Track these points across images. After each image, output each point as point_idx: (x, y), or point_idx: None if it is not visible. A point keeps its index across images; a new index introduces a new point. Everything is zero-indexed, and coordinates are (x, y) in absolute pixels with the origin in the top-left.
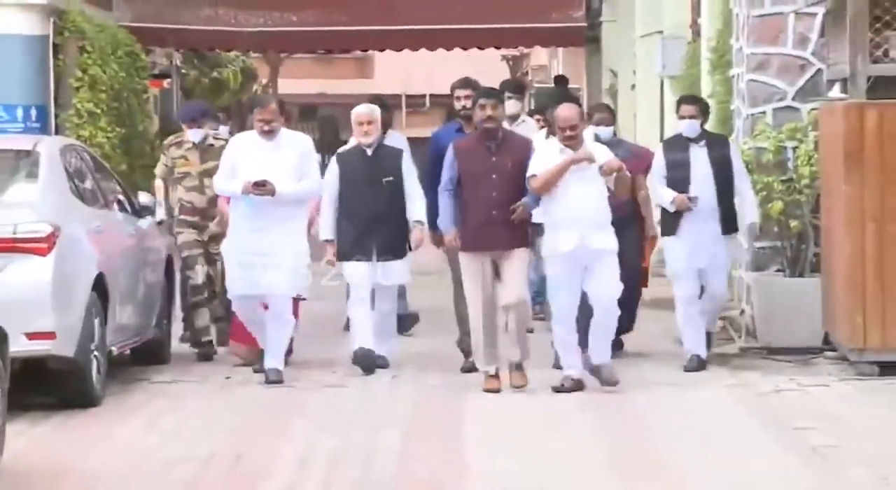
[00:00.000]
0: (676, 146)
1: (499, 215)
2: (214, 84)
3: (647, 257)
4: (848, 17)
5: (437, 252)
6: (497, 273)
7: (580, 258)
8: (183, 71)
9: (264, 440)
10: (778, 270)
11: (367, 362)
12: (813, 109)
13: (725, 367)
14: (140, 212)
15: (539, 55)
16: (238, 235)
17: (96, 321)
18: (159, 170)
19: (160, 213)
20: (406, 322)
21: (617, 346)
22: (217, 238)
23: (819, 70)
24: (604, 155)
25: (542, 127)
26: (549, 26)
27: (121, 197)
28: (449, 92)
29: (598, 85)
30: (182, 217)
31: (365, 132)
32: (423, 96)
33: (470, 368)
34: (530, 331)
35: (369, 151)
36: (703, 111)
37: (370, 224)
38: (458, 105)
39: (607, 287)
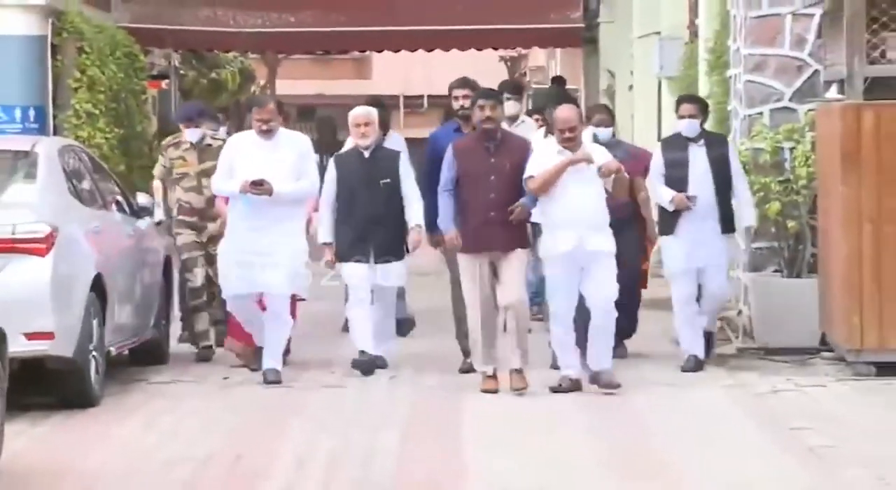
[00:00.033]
0: (675, 145)
1: (497, 216)
2: (213, 85)
3: (647, 259)
4: (845, 18)
5: (434, 253)
6: (495, 274)
7: (578, 259)
8: (181, 72)
9: (263, 440)
10: (775, 271)
11: (367, 367)
12: (810, 110)
13: (723, 368)
14: (138, 212)
15: (537, 56)
16: (236, 235)
17: (95, 321)
18: (157, 171)
19: (158, 214)
20: (403, 326)
21: (619, 347)
22: (216, 239)
23: (816, 71)
24: (602, 156)
25: (541, 126)
26: (547, 27)
27: (119, 197)
28: (447, 92)
29: (595, 86)
30: (180, 217)
31: (362, 134)
32: (421, 97)
33: (468, 369)
34: (528, 331)
35: (366, 153)
36: (703, 110)
37: (368, 226)
38: (455, 105)
39: (604, 289)
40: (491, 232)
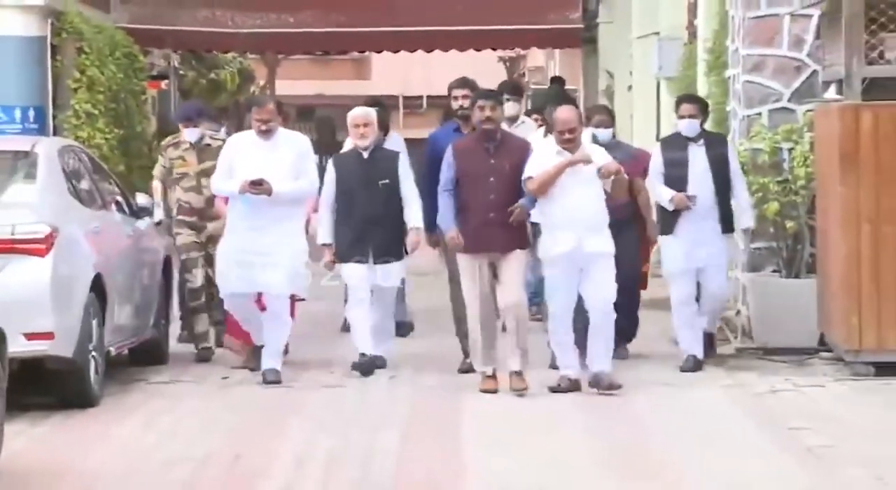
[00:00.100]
0: (674, 145)
1: (496, 217)
2: (212, 85)
3: (647, 260)
4: (843, 18)
5: (433, 253)
6: (495, 274)
7: (577, 260)
8: (181, 72)
9: (262, 440)
10: (774, 271)
11: (367, 368)
12: (808, 111)
13: (721, 368)
14: (138, 213)
15: (536, 56)
16: (236, 235)
17: (94, 322)
18: (157, 171)
19: (158, 214)
20: (402, 329)
21: (620, 348)
22: (215, 239)
23: (815, 71)
24: (601, 157)
25: (541, 125)
26: (546, 28)
27: (119, 198)
28: (446, 93)
29: (594, 86)
30: (180, 217)
31: (361, 135)
32: (420, 97)
33: (467, 369)
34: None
35: (365, 154)
36: (703, 110)
37: (367, 227)
38: (455, 105)
39: (603, 291)
40: (490, 233)
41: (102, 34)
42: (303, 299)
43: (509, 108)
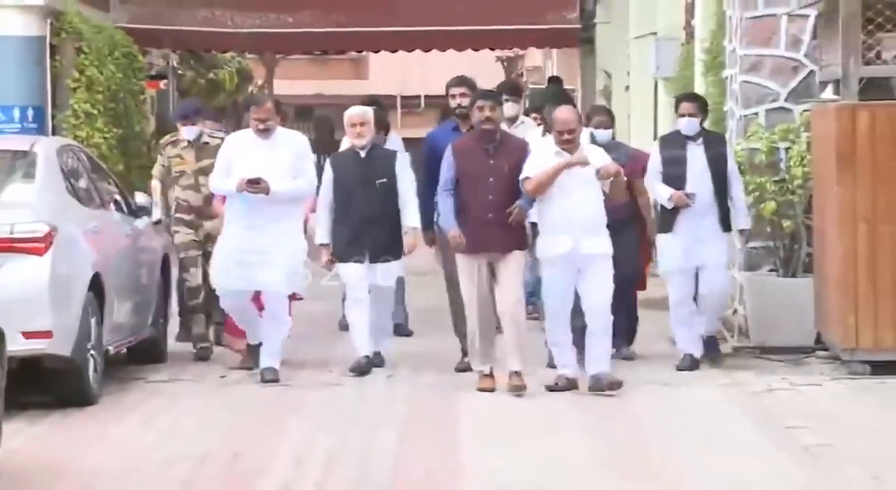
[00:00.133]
0: (673, 143)
1: (495, 218)
2: (211, 85)
3: (649, 261)
4: (840, 19)
5: (431, 252)
6: (493, 274)
7: (574, 261)
8: (179, 72)
9: (260, 439)
10: (771, 270)
11: (365, 369)
12: (805, 111)
13: (718, 367)
14: (136, 212)
15: (533, 56)
16: (234, 233)
17: (93, 320)
18: (156, 171)
19: (157, 213)
20: (400, 331)
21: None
22: (213, 237)
23: (811, 71)
24: (600, 158)
25: (540, 124)
26: (544, 28)
27: (117, 197)
28: (444, 92)
29: (592, 86)
30: (178, 215)
31: (358, 134)
32: (418, 97)
33: (465, 368)
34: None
35: (363, 153)
36: (703, 109)
37: (364, 226)
38: (452, 103)
39: (600, 292)
40: (489, 233)
41: (101, 34)
42: (301, 299)
43: (508, 108)
